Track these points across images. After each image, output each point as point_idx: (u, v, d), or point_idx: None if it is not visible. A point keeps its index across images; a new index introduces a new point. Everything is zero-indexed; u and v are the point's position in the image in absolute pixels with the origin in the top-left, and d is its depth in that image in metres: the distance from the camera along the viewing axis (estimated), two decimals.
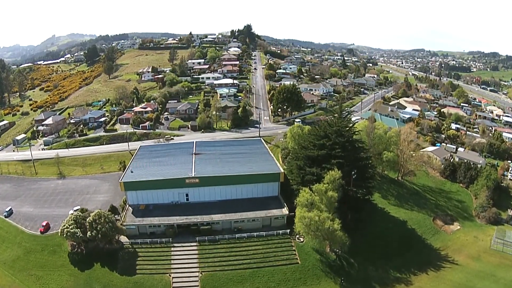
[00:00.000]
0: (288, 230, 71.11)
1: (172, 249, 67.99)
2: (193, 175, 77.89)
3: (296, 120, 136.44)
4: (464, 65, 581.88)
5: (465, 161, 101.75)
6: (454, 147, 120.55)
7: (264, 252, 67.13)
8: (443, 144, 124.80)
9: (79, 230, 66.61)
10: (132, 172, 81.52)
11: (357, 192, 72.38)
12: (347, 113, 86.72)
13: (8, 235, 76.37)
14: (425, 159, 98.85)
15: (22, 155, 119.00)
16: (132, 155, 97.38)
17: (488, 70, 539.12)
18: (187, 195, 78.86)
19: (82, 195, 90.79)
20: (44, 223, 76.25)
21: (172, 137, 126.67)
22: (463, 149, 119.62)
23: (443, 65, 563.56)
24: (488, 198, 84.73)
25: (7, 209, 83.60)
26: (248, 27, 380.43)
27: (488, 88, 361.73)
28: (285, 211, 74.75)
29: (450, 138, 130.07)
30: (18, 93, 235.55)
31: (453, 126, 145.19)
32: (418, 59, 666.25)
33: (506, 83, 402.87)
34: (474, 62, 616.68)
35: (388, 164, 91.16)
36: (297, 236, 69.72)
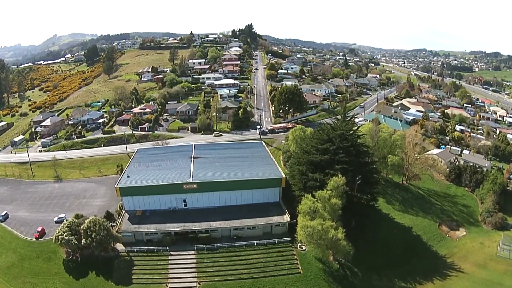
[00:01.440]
0: (290, 238, 68.93)
1: (169, 257, 66.00)
2: (191, 181, 75.83)
3: (257, 127, 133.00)
4: (466, 65, 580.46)
5: (471, 164, 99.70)
6: (459, 149, 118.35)
7: (264, 261, 65.06)
8: (447, 146, 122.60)
9: (73, 237, 64.86)
10: (128, 176, 79.44)
11: (361, 198, 70.36)
12: (354, 115, 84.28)
13: (3, 240, 74.83)
14: (430, 162, 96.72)
15: (20, 157, 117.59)
16: (130, 158, 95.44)
17: (490, 70, 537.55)
18: (185, 201, 76.84)
19: (78, 199, 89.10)
20: (39, 229, 74.62)
21: (221, 133, 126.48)
22: (468, 151, 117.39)
23: (445, 65, 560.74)
24: (494, 202, 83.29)
25: (3, 213, 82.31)
26: (249, 27, 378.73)
27: (491, 88, 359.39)
28: (286, 218, 72.50)
29: (454, 140, 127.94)
30: (17, 94, 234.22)
31: (458, 127, 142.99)
32: (420, 59, 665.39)
33: (508, 83, 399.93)
34: (476, 62, 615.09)
35: (392, 168, 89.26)
36: (299, 244, 67.58)
